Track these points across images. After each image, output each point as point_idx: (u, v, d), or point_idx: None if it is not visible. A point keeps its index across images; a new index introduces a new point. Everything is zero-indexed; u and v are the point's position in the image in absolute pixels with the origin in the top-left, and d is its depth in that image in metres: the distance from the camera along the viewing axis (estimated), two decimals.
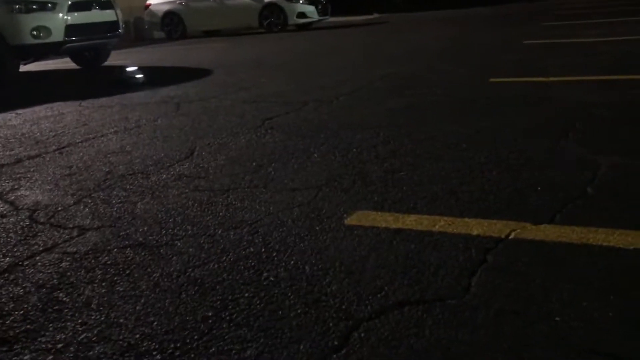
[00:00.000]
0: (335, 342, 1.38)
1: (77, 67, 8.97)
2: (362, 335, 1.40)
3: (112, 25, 8.05)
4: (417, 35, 10.38)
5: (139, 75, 6.64)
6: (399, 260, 1.77)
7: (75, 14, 7.35)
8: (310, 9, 14.69)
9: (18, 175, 3.06)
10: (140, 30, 16.09)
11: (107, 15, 7.93)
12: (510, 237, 1.87)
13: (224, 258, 1.88)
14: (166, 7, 15.30)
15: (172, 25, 15.26)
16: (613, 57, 5.58)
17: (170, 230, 2.17)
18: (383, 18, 18.03)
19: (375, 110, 4.00)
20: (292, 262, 1.81)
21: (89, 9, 7.64)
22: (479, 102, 4.04)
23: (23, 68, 8.18)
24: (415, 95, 4.44)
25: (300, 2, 14.65)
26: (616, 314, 1.41)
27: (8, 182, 2.96)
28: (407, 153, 2.91)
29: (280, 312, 1.53)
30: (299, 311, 1.53)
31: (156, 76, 7.34)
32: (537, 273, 1.62)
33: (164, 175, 2.87)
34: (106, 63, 8.97)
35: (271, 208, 2.30)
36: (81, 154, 3.43)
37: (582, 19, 10.26)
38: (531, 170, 2.50)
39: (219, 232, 2.10)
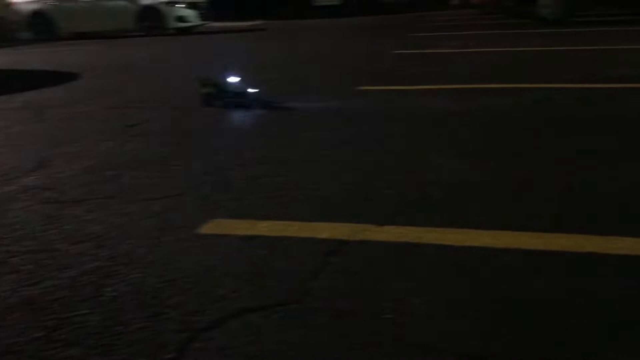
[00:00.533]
0: (171, 355, 1.36)
1: None
2: (199, 345, 1.39)
3: None
4: (295, 43, 10.54)
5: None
6: (246, 268, 1.78)
7: None
8: (190, 13, 14.42)
9: None
10: (4, 30, 14.88)
11: None
12: (354, 239, 1.94)
13: (64, 274, 1.78)
14: (34, 7, 14.30)
15: (40, 25, 14.28)
16: (468, 67, 6.03)
17: (8, 246, 2.01)
18: (267, 25, 18.09)
19: (245, 117, 4.00)
20: (136, 276, 1.75)
21: None
22: (344, 109, 4.18)
23: None
24: (283, 103, 4.49)
25: (180, 5, 14.34)
26: (440, 308, 1.51)
27: None
28: (271, 159, 2.94)
29: (117, 328, 1.48)
30: (137, 326, 1.49)
31: (17, 80, 6.83)
32: (375, 273, 1.71)
33: (10, 188, 2.67)
34: None
35: (122, 219, 2.21)
36: None
37: (445, 31, 10.98)
38: (383, 174, 2.62)
39: (63, 246, 1.99)
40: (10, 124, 4.11)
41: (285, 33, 13.89)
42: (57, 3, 14.24)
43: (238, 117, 4.02)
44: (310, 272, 1.72)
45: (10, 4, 14.51)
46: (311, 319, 1.48)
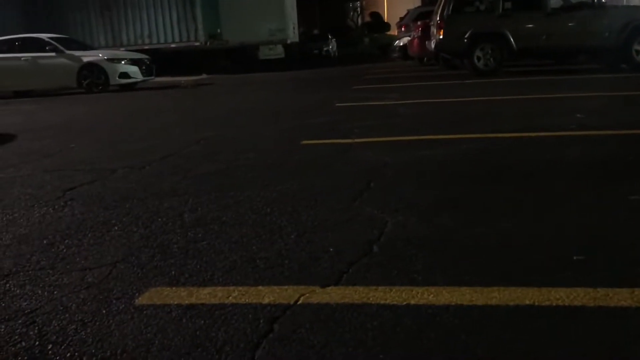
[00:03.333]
0: None
1: None
2: None
3: None
4: (240, 97, 10.62)
5: None
6: (186, 340, 1.71)
7: None
8: (133, 69, 14.35)
9: None
10: None
11: None
12: (298, 302, 1.92)
13: None
14: None
15: None
16: (407, 119, 6.21)
17: None
18: (211, 79, 18.22)
19: (187, 176, 3.96)
20: (68, 355, 1.66)
21: None
22: (289, 164, 4.20)
23: None
24: (229, 159, 4.48)
25: (123, 62, 14.28)
26: None
27: None
28: (212, 220, 2.89)
29: None
30: None
31: None
32: (318, 338, 1.68)
33: None
34: None
35: (55, 292, 2.11)
36: None
37: (386, 82, 11.35)
38: (326, 231, 2.62)
39: None
40: None
41: (231, 87, 14.00)
42: None
43: (173, 178, 3.97)
44: (251, 341, 1.67)
45: None
46: None
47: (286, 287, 2.04)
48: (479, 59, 10.76)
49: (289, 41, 22.04)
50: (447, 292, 1.93)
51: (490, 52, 10.67)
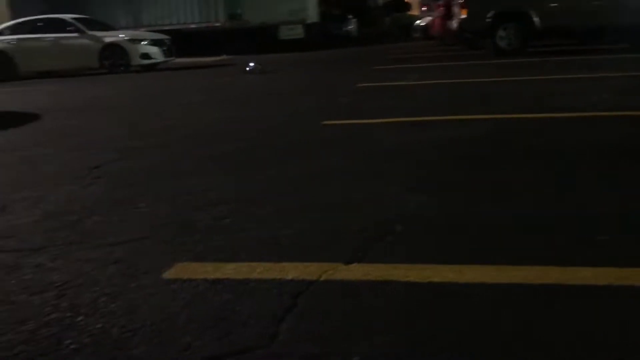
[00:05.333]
0: None
1: None
2: None
3: None
4: (261, 78, 10.61)
5: None
6: (212, 313, 1.75)
7: None
8: (154, 50, 14.42)
9: None
10: None
11: None
12: (321, 279, 1.94)
13: (23, 327, 1.73)
14: None
15: (0, 64, 14.04)
16: (428, 99, 6.17)
17: None
18: (231, 60, 18.20)
19: (211, 154, 4.00)
20: (99, 326, 1.71)
21: None
22: (310, 144, 4.21)
23: None
24: (251, 138, 4.51)
25: (144, 43, 14.35)
26: (407, 345, 1.52)
27: None
28: (236, 198, 2.93)
29: None
30: None
31: None
32: (341, 314, 1.70)
33: None
34: None
35: (85, 266, 2.17)
36: None
37: (407, 63, 11.24)
38: (350, 211, 2.64)
39: (22, 298, 1.94)
40: None
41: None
42: (18, 42, 14.08)
43: (196, 156, 4.01)
44: (276, 315, 1.71)
45: None
46: None
47: (309, 264, 2.07)
48: (501, 38, 10.59)
49: (308, 21, 21.86)
50: (469, 270, 1.94)
51: (513, 31, 10.49)
